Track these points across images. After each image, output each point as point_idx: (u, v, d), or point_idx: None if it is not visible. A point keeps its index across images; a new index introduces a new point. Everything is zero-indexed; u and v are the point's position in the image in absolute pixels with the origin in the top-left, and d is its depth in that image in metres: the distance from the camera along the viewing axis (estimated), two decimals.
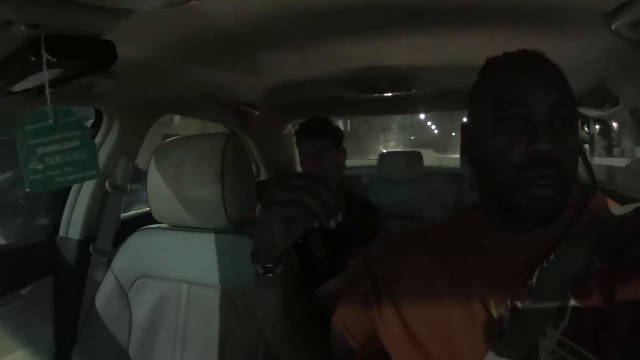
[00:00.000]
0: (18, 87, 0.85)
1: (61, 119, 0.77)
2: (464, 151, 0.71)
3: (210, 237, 1.12)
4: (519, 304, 0.60)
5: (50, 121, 0.76)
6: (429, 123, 18.99)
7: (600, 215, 0.64)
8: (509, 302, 0.61)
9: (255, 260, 0.63)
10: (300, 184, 0.57)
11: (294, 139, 2.68)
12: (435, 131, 20.29)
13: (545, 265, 0.61)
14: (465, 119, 0.74)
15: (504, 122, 0.62)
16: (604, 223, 0.62)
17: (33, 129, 0.75)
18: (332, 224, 0.57)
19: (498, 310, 0.61)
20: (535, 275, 0.61)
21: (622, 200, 0.67)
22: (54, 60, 0.71)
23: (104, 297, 1.17)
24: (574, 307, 0.57)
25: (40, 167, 0.75)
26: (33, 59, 0.71)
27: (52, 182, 0.76)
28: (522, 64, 0.65)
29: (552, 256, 0.61)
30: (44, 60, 0.70)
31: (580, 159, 2.07)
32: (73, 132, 0.78)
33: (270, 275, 0.62)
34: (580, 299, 0.57)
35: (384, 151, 2.72)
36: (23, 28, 0.68)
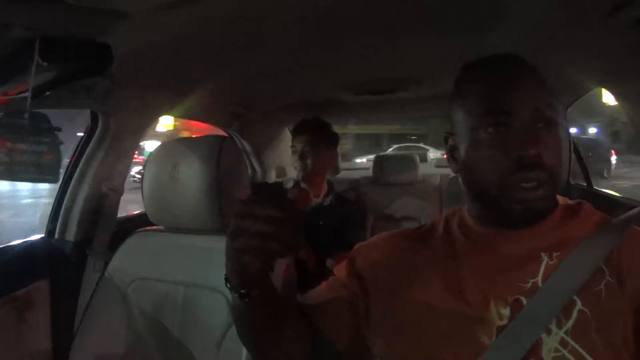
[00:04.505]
0: (14, 89, 0.85)
1: (36, 123, 0.80)
2: (451, 159, 0.73)
3: (206, 239, 1.12)
4: (523, 300, 0.61)
5: (26, 122, 0.79)
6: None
7: (605, 223, 0.67)
8: (509, 297, 0.62)
9: (229, 286, 0.59)
10: (273, 214, 0.52)
11: (287, 140, 2.68)
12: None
13: (550, 262, 0.63)
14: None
15: (487, 130, 0.63)
16: (613, 234, 0.64)
17: (9, 123, 0.79)
18: (302, 254, 0.56)
19: (497, 306, 0.62)
20: (541, 272, 0.62)
21: (618, 202, 0.68)
22: (45, 64, 0.72)
23: (100, 300, 1.16)
24: (580, 310, 0.59)
25: (6, 159, 0.79)
26: (28, 61, 0.72)
27: (13, 175, 0.81)
28: (496, 70, 0.67)
29: (555, 254, 0.63)
30: (34, 63, 0.71)
31: (577, 161, 2.08)
32: (43, 138, 0.82)
33: (247, 299, 0.59)
34: (587, 304, 0.59)
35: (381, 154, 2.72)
36: (19, 31, 0.69)
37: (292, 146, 1.77)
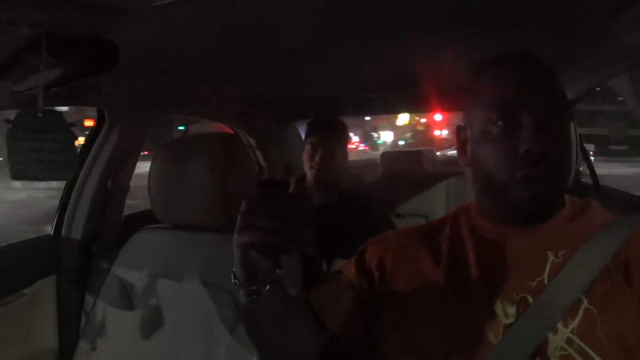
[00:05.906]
0: (21, 87, 0.85)
1: (50, 120, 0.80)
2: (461, 152, 0.73)
3: (212, 237, 1.12)
4: (529, 298, 0.61)
5: (39, 120, 0.79)
6: None
7: (610, 222, 0.66)
8: (515, 296, 0.62)
9: (237, 283, 0.59)
10: (275, 209, 0.53)
11: (294, 137, 2.69)
12: None
13: (556, 261, 0.62)
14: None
15: (496, 124, 0.64)
16: (620, 232, 0.63)
17: (23, 123, 0.78)
18: (311, 250, 0.56)
19: (504, 304, 0.62)
20: (547, 271, 0.62)
21: (628, 200, 0.68)
22: (54, 61, 0.72)
23: (106, 297, 1.17)
24: (586, 309, 0.59)
25: (23, 159, 0.78)
26: (35, 59, 0.72)
27: (31, 174, 0.80)
28: (510, 66, 0.67)
29: (561, 252, 0.63)
30: (43, 61, 0.71)
31: (583, 159, 2.06)
32: (58, 135, 0.81)
33: (255, 296, 0.59)
34: (593, 302, 0.59)
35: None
36: (26, 28, 0.69)
37: (311, 142, 1.75)
